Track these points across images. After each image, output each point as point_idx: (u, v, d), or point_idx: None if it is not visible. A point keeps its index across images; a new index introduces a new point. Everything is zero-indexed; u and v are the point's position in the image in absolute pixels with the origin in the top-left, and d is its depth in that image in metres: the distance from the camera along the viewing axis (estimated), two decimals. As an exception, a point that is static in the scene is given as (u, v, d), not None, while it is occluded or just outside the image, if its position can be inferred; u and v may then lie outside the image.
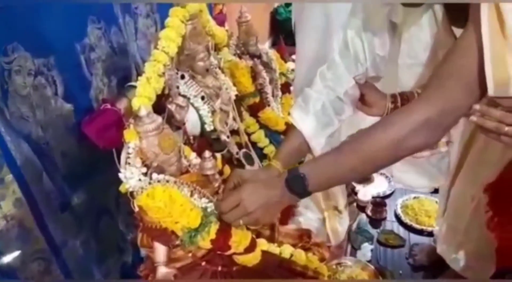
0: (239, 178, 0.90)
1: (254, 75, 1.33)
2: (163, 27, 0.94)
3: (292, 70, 1.69)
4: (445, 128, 0.73)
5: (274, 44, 3.65)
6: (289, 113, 1.04)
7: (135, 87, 0.86)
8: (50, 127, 0.83)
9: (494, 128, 0.69)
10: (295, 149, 1.00)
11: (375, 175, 2.00)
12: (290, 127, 1.03)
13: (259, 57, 1.35)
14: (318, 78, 1.01)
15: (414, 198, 1.84)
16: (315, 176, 0.75)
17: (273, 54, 1.41)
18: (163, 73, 0.88)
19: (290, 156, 0.99)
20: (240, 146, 1.22)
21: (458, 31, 0.74)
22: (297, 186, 0.75)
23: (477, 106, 0.68)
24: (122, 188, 0.76)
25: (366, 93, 1.00)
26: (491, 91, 0.65)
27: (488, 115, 0.68)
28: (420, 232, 1.68)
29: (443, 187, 1.30)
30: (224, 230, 0.77)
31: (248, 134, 1.29)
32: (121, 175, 0.73)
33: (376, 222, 1.77)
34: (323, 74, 1.00)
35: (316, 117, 0.98)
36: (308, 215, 1.32)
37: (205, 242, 0.73)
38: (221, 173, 1.03)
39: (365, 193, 1.86)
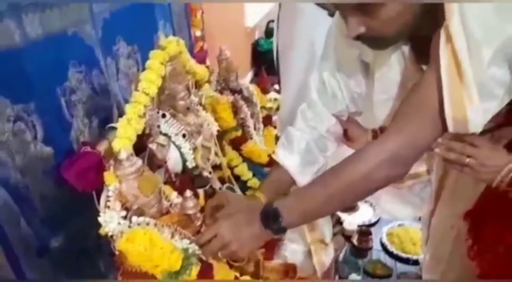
0: (223, 198, 0.91)
1: (236, 110, 1.36)
2: (144, 66, 0.97)
3: (275, 99, 1.74)
4: (413, 160, 0.76)
5: (256, 75, 3.74)
6: (273, 152, 1.06)
7: (116, 128, 0.87)
8: (29, 171, 0.83)
9: (456, 160, 0.73)
10: (280, 181, 1.00)
11: (359, 203, 2.02)
12: (275, 162, 1.04)
13: (240, 92, 1.38)
14: (299, 117, 1.03)
15: (399, 225, 1.86)
16: (288, 210, 0.76)
17: (253, 88, 1.44)
18: (144, 113, 0.90)
19: (275, 188, 0.99)
20: (223, 180, 1.23)
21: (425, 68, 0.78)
22: (271, 221, 0.75)
23: (440, 140, 0.72)
24: (102, 231, 0.76)
25: (348, 128, 1.03)
26: (451, 129, 0.68)
27: (450, 148, 0.72)
28: (406, 261, 1.69)
29: (425, 215, 1.32)
30: (206, 271, 0.76)
31: (232, 168, 1.30)
32: (100, 219, 0.72)
33: (362, 251, 1.77)
34: (304, 113, 1.03)
35: (301, 155, 0.99)
36: (293, 248, 1.31)
37: (186, 285, 0.73)
38: (203, 209, 1.03)
39: (351, 221, 1.87)
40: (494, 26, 0.63)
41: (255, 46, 3.74)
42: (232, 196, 1.01)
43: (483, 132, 0.73)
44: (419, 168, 1.35)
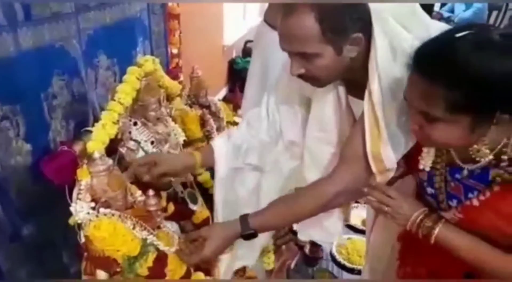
0: (153, 158, 1.06)
1: (203, 123, 1.49)
2: (122, 78, 1.10)
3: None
4: (359, 190, 0.94)
5: (230, 91, 3.90)
6: None
7: (91, 132, 0.99)
8: (8, 164, 0.93)
9: (377, 208, 0.89)
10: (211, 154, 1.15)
11: (315, 217, 2.17)
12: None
13: (208, 107, 1.53)
14: (244, 121, 1.19)
15: (348, 238, 2.02)
16: (260, 227, 0.98)
17: (221, 105, 1.59)
18: (117, 121, 1.02)
19: (207, 156, 1.15)
20: (185, 185, 1.36)
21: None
22: (250, 237, 0.98)
23: (365, 189, 0.89)
24: (71, 221, 0.87)
25: None
26: (373, 167, 0.89)
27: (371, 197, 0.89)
28: (351, 271, 1.84)
29: (366, 232, 1.47)
30: (161, 259, 0.88)
31: (195, 176, 1.43)
32: (72, 208, 0.84)
33: (313, 260, 1.91)
34: (249, 121, 1.19)
35: (230, 148, 1.15)
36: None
37: (142, 269, 0.84)
38: (165, 209, 1.15)
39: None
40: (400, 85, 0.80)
41: (232, 64, 3.90)
42: (163, 154, 1.15)
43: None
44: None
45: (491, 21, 5.46)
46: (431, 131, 0.71)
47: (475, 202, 0.76)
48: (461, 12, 4.48)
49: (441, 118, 0.67)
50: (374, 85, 0.84)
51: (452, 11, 4.68)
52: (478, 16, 4.39)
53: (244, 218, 0.98)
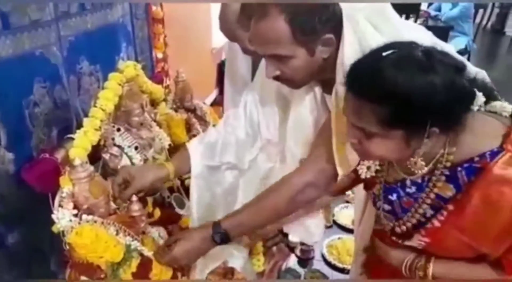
0: (127, 174, 1.04)
1: (189, 127, 1.50)
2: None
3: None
4: (328, 184, 0.96)
5: (220, 93, 3.90)
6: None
7: (73, 139, 0.99)
8: (-10, 174, 0.93)
9: None
10: (184, 159, 1.15)
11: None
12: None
13: (194, 111, 1.53)
14: (223, 119, 1.20)
15: (339, 238, 2.03)
16: (233, 229, 0.98)
17: (207, 108, 1.59)
18: (100, 127, 1.03)
19: (180, 163, 1.15)
20: (172, 190, 1.36)
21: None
22: (221, 239, 0.97)
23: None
24: (54, 228, 0.87)
25: None
26: (339, 173, 0.93)
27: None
28: (342, 270, 1.85)
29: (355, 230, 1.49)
30: (145, 264, 0.89)
31: (182, 180, 1.43)
32: (54, 216, 0.84)
33: (304, 261, 1.92)
34: (228, 117, 1.20)
35: (204, 147, 1.15)
36: (234, 254, 1.44)
37: (126, 275, 0.85)
38: (151, 215, 1.15)
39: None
40: None
41: (221, 66, 3.91)
42: (135, 169, 1.10)
43: None
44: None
45: (478, 19, 5.54)
46: (369, 146, 0.73)
47: (437, 223, 0.77)
48: (448, 11, 4.52)
49: (376, 133, 0.70)
50: (340, 84, 0.85)
51: (439, 9, 4.71)
52: (464, 14, 4.43)
53: (217, 221, 0.98)
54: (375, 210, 0.92)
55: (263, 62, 1.02)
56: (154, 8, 1.61)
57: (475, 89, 0.72)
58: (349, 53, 0.84)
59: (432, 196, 0.76)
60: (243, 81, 1.67)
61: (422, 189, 0.78)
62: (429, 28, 1.02)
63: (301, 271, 1.87)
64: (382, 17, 0.89)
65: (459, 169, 0.72)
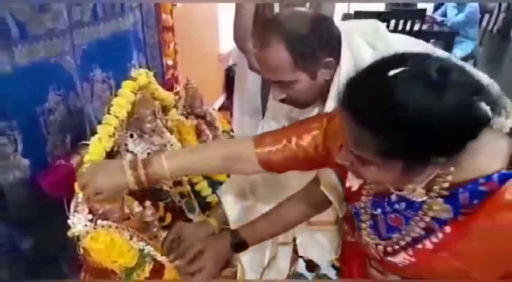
0: (180, 231, 1.06)
1: (199, 133, 1.52)
2: (117, 91, 1.12)
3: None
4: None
5: (228, 98, 3.92)
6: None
7: (87, 145, 1.01)
8: (7, 180, 0.95)
9: None
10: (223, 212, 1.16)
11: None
12: None
13: (204, 117, 1.55)
14: None
15: (347, 243, 2.03)
16: (251, 238, 0.99)
17: (216, 114, 1.61)
18: (114, 134, 1.04)
19: (220, 216, 1.16)
20: (183, 195, 1.37)
21: None
22: (240, 248, 0.99)
23: None
24: (70, 233, 0.88)
25: None
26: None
27: None
28: (350, 275, 1.85)
29: None
30: (158, 269, 0.90)
31: (192, 185, 1.44)
32: (69, 221, 0.85)
33: (312, 266, 1.92)
34: None
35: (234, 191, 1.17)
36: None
37: (140, 279, 0.86)
38: (162, 219, 1.17)
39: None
40: None
41: (228, 72, 3.94)
42: (187, 227, 1.11)
43: None
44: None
45: (484, 24, 5.53)
46: (363, 171, 0.66)
47: (429, 245, 0.71)
48: (454, 16, 4.51)
49: (372, 161, 0.63)
50: (331, 98, 0.89)
51: (445, 15, 4.72)
52: (470, 19, 4.42)
53: (235, 230, 1.01)
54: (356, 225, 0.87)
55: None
56: (164, 16, 1.64)
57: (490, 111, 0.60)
58: (346, 68, 0.88)
59: (427, 219, 0.70)
60: (253, 88, 1.70)
61: (414, 209, 0.72)
62: (435, 33, 1.06)
63: (309, 276, 1.87)
64: (375, 33, 0.93)
65: (460, 190, 0.65)
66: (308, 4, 1.93)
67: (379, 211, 0.79)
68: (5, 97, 0.89)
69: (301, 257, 1.94)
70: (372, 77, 0.61)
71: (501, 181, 0.62)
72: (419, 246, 0.72)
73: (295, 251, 1.99)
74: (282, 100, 0.98)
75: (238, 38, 1.66)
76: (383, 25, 0.98)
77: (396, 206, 0.75)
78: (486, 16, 5.75)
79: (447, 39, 4.12)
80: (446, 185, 0.66)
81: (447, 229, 0.68)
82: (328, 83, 0.95)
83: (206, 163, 0.96)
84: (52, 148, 1.07)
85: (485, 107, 0.57)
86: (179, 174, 0.99)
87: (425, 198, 0.68)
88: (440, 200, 0.67)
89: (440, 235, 0.69)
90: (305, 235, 1.22)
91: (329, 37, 0.90)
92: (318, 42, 0.89)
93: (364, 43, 0.89)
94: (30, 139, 0.99)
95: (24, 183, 0.99)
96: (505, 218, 0.62)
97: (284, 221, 1.04)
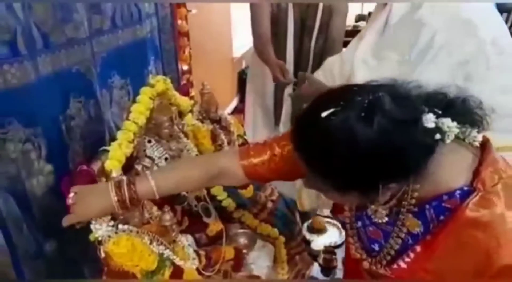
0: None
1: (214, 137, 1.53)
2: (135, 96, 1.14)
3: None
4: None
5: (241, 101, 3.95)
6: None
7: (108, 151, 1.03)
8: (32, 184, 0.98)
9: None
10: None
11: (328, 226, 2.18)
12: None
13: (219, 122, 1.56)
14: None
15: (362, 247, 2.02)
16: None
17: (231, 119, 1.63)
18: (133, 139, 1.07)
19: None
20: (199, 199, 1.39)
21: None
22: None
23: None
24: (91, 237, 0.91)
25: None
26: None
27: None
28: (365, 279, 1.84)
29: None
30: (177, 274, 0.92)
31: (208, 189, 1.46)
32: (92, 226, 0.88)
33: (326, 270, 1.92)
34: None
35: None
36: (259, 263, 1.46)
37: (160, 282, 0.88)
38: (180, 223, 1.19)
39: (318, 243, 2.03)
40: None
41: (241, 75, 3.96)
42: None
43: None
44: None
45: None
46: (326, 196, 0.70)
47: (403, 265, 0.72)
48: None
49: (331, 191, 0.67)
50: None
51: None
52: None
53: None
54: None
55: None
56: (179, 21, 1.67)
57: (437, 135, 0.60)
58: None
59: (402, 235, 0.72)
60: (265, 89, 1.71)
61: (390, 223, 0.74)
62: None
63: (324, 280, 1.88)
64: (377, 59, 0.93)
65: (427, 206, 0.67)
66: None
67: (360, 223, 0.81)
68: (29, 105, 0.93)
69: (316, 260, 1.95)
70: (308, 120, 0.63)
71: (461, 198, 0.63)
72: (394, 266, 0.74)
73: (310, 254, 2.00)
74: None
75: (259, 50, 1.66)
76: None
77: (375, 219, 0.76)
78: (504, 15, 5.64)
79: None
80: (413, 201, 0.67)
81: (418, 248, 0.70)
82: None
83: (192, 184, 0.96)
84: (73, 154, 1.10)
85: (430, 125, 0.58)
86: (165, 194, 0.94)
87: (385, 219, 0.71)
88: (410, 215, 0.69)
89: (412, 255, 0.71)
90: None
91: None
92: None
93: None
94: (53, 146, 1.02)
95: (48, 187, 1.02)
96: (468, 235, 0.62)
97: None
